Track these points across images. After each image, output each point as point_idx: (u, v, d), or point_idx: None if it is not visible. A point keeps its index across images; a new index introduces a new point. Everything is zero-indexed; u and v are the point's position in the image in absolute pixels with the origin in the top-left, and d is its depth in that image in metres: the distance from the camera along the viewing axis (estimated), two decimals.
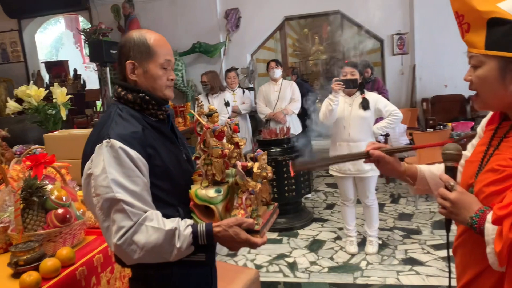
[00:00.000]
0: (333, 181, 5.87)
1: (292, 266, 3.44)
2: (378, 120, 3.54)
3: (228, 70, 5.59)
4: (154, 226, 1.24)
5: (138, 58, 1.37)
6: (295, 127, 4.97)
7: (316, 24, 11.53)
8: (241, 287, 2.61)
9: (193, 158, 1.44)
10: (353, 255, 3.57)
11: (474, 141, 1.30)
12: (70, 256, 1.72)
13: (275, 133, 4.28)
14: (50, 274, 1.59)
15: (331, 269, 3.36)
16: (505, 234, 0.94)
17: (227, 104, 4.81)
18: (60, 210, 1.80)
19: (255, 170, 1.36)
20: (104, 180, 1.23)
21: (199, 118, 1.36)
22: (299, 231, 4.18)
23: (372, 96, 3.43)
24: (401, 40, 6.95)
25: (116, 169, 1.24)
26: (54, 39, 12.42)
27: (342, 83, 3.25)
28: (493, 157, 1.11)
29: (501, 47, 1.03)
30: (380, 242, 3.72)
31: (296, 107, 5.06)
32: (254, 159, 1.44)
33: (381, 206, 4.67)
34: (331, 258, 3.55)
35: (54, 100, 3.52)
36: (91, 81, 9.27)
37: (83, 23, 9.72)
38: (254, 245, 1.32)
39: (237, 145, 1.45)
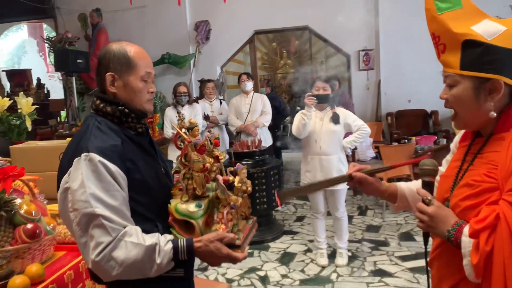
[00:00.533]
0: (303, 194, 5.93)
1: (264, 280, 3.44)
2: (347, 134, 3.63)
3: (207, 81, 5.59)
4: (134, 242, 1.21)
5: (118, 70, 1.35)
6: (266, 140, 5.00)
7: (284, 38, 11.71)
8: None
9: (172, 172, 1.42)
10: (323, 267, 3.60)
11: (448, 157, 1.35)
12: (40, 273, 1.66)
13: (247, 145, 4.29)
14: None
15: (303, 282, 3.37)
16: (482, 247, 0.99)
17: (206, 117, 4.81)
18: (29, 225, 1.73)
19: (236, 184, 1.36)
20: (82, 195, 1.20)
21: (180, 131, 1.35)
22: (270, 244, 4.18)
23: (341, 111, 3.53)
24: (367, 56, 7.16)
25: (95, 184, 1.21)
26: (16, 46, 12.01)
27: (314, 98, 3.32)
28: (468, 173, 1.15)
29: (475, 67, 1.09)
30: (350, 254, 3.77)
31: (267, 119, 5.10)
32: (234, 173, 1.44)
33: (350, 218, 4.75)
34: (302, 271, 3.57)
35: (19, 110, 3.41)
36: (55, 90, 9.00)
37: (47, 31, 9.46)
38: (235, 260, 1.32)
39: (217, 159, 1.45)
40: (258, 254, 3.93)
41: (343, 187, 3.47)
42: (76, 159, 1.24)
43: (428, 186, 1.20)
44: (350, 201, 5.42)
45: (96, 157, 1.23)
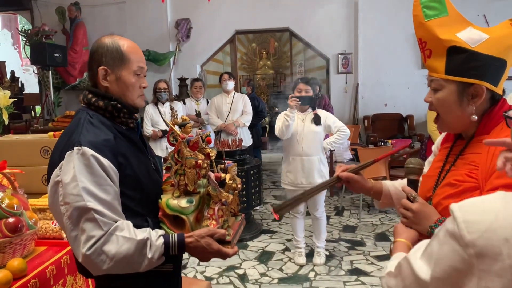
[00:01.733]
0: (280, 194, 5.98)
1: (243, 278, 3.46)
2: (326, 136, 3.69)
3: (195, 80, 5.57)
4: (125, 236, 1.22)
5: (110, 64, 1.35)
6: (246, 140, 5.02)
7: (264, 39, 11.77)
8: None
9: (164, 168, 1.43)
10: (301, 266, 3.65)
11: (430, 158, 1.41)
12: (22, 268, 1.63)
13: (228, 144, 4.30)
14: (1, 287, 1.50)
15: (281, 280, 3.41)
16: None
17: (198, 114, 4.81)
18: (11, 219, 1.70)
19: (227, 181, 1.38)
20: (74, 188, 1.19)
21: (173, 128, 1.36)
22: (249, 242, 4.20)
23: (322, 113, 3.60)
24: (346, 60, 7.28)
25: (87, 177, 1.21)
26: None
27: (298, 100, 3.36)
28: (450, 173, 1.21)
29: (459, 73, 1.15)
30: (327, 253, 3.83)
31: (248, 119, 5.13)
32: (225, 170, 1.46)
33: (327, 218, 4.82)
34: (281, 269, 3.61)
35: None
36: (30, 84, 8.79)
37: (22, 23, 9.21)
38: (225, 256, 1.34)
39: (208, 156, 1.46)
40: (237, 253, 3.94)
41: None
42: (68, 152, 1.23)
43: (413, 184, 1.26)
44: (327, 201, 5.50)
45: (89, 151, 1.22)
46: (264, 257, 3.87)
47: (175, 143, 1.36)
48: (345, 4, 6.99)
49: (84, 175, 1.21)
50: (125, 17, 7.25)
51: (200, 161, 1.36)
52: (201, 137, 1.44)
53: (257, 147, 6.08)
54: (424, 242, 0.88)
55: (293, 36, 7.81)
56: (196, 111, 4.94)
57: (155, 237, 1.26)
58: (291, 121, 3.38)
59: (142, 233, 1.25)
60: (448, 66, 1.16)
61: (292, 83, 3.79)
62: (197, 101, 5.40)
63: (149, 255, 1.24)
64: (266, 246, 4.12)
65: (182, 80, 6.98)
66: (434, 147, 1.42)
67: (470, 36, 1.15)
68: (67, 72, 6.88)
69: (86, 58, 6.99)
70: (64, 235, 2.01)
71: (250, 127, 5.40)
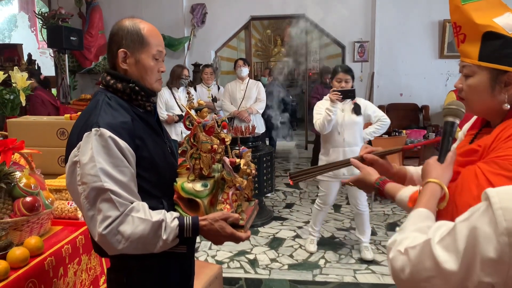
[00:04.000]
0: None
1: (253, 263, 3.49)
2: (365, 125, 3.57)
3: (205, 66, 5.56)
4: (141, 217, 1.24)
5: (130, 47, 1.36)
6: (259, 127, 5.02)
7: (279, 26, 11.67)
8: (205, 282, 2.62)
9: (179, 151, 1.44)
10: (311, 253, 3.65)
11: (455, 145, 1.39)
12: (39, 246, 1.67)
13: (241, 131, 4.31)
14: (19, 264, 1.54)
15: (291, 266, 3.44)
16: None
17: (214, 99, 4.81)
18: (28, 198, 1.74)
19: (242, 166, 1.39)
20: (92, 169, 1.21)
21: (189, 112, 1.36)
22: (260, 228, 4.23)
23: (361, 102, 3.47)
24: (362, 48, 7.18)
25: (105, 159, 1.23)
26: (5, 20, 11.75)
27: (340, 94, 3.22)
28: None
29: (494, 59, 1.11)
30: (373, 247, 3.74)
31: (261, 107, 5.12)
32: (240, 156, 1.47)
33: (338, 207, 4.83)
34: (291, 256, 3.63)
35: (13, 85, 3.37)
36: (46, 67, 8.85)
37: (39, 6, 9.27)
38: (238, 240, 1.35)
39: (223, 141, 1.47)
40: (248, 238, 3.97)
41: None
42: (86, 133, 1.25)
43: (451, 126, 1.18)
44: (338, 191, 5.48)
45: (107, 133, 1.24)
46: (275, 243, 3.90)
47: (191, 127, 1.36)
48: None
49: (102, 156, 1.22)
50: (140, 1, 7.24)
51: (215, 146, 1.36)
52: (217, 122, 1.45)
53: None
54: (442, 225, 0.84)
55: (308, 23, 7.72)
56: (212, 96, 4.93)
57: (170, 219, 1.28)
58: (333, 115, 3.25)
59: (157, 215, 1.26)
60: (482, 52, 1.13)
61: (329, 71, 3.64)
62: (208, 87, 5.39)
63: (164, 237, 1.25)
64: (277, 233, 4.14)
65: (196, 66, 6.97)
66: (460, 134, 1.40)
67: (508, 22, 1.11)
68: (83, 56, 6.92)
69: (102, 41, 7.07)
70: (80, 215, 2.05)
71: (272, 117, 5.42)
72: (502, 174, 1.02)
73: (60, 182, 2.16)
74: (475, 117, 1.32)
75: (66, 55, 6.19)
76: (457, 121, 1.20)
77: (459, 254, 0.75)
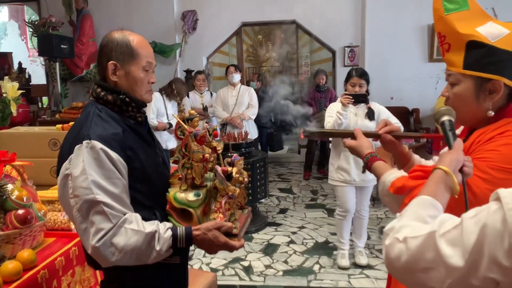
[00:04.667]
0: (285, 186, 6.00)
1: (248, 270, 3.49)
2: None
3: (198, 72, 5.56)
4: (134, 229, 1.24)
5: (120, 59, 1.36)
6: (252, 133, 5.03)
7: (270, 31, 11.72)
8: None
9: (171, 161, 1.45)
10: (345, 268, 3.47)
11: (446, 149, 1.41)
12: (32, 259, 1.66)
13: (234, 137, 4.31)
14: (11, 277, 1.54)
15: (286, 272, 3.44)
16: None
17: (205, 108, 4.80)
18: (20, 211, 1.73)
19: (234, 175, 1.40)
20: (84, 182, 1.21)
21: (181, 122, 1.37)
22: (254, 235, 4.23)
23: (375, 106, 3.40)
24: (352, 53, 7.23)
25: (96, 171, 1.23)
26: None
27: (351, 98, 3.14)
28: None
29: (478, 67, 1.14)
30: (367, 251, 3.74)
31: (253, 112, 5.13)
32: (231, 164, 1.47)
33: (331, 211, 4.84)
34: (286, 262, 3.63)
35: (4, 95, 3.35)
36: (37, 75, 8.81)
37: (29, 14, 9.23)
38: (232, 248, 1.36)
39: (214, 150, 1.48)
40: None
41: (374, 183, 3.34)
42: (77, 146, 1.25)
43: (450, 125, 1.16)
44: (332, 194, 5.51)
45: (98, 145, 1.24)
46: (269, 249, 3.90)
47: (182, 137, 1.37)
48: None
49: (93, 169, 1.22)
50: (131, 8, 7.25)
51: (207, 155, 1.37)
52: (208, 131, 1.46)
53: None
54: (447, 219, 0.83)
55: (299, 29, 7.77)
56: (203, 105, 4.93)
57: (163, 229, 1.28)
58: (344, 119, 3.17)
59: (150, 226, 1.27)
60: (466, 61, 1.16)
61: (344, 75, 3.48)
62: (201, 93, 5.40)
63: (157, 248, 1.26)
64: (271, 239, 4.14)
65: (188, 72, 6.98)
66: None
67: (490, 31, 1.14)
68: (74, 64, 6.90)
69: (93, 49, 7.06)
70: (73, 227, 2.04)
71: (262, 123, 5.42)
72: (478, 175, 1.05)
73: (53, 193, 2.15)
74: (461, 128, 1.35)
75: (57, 63, 6.18)
76: (452, 119, 1.19)
77: (466, 250, 0.75)
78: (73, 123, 2.60)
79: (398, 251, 0.83)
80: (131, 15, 7.22)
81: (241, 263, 3.62)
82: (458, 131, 1.36)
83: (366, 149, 1.38)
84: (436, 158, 1.45)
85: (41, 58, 7.12)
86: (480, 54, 1.13)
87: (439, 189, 0.98)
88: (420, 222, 0.88)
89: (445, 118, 1.17)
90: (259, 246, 3.97)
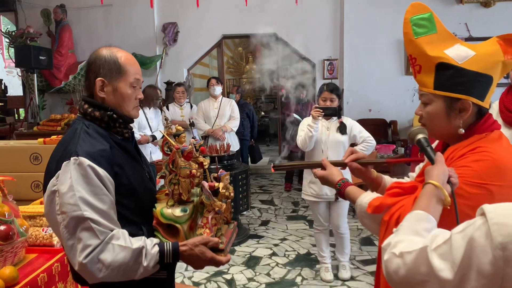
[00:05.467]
0: (267, 198, 6.03)
1: (230, 283, 3.48)
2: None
3: (177, 85, 5.55)
4: (121, 245, 1.24)
5: (108, 76, 1.38)
6: (233, 145, 5.05)
7: (250, 43, 11.81)
8: None
9: (158, 177, 1.46)
10: (329, 282, 3.49)
11: (421, 165, 1.47)
12: (14, 276, 1.64)
13: (216, 149, 4.32)
14: None
15: (268, 285, 3.44)
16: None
17: (192, 124, 4.79)
18: (2, 227, 1.71)
19: (220, 190, 1.41)
20: (71, 198, 1.22)
21: (168, 138, 1.39)
22: (236, 247, 4.23)
23: (348, 121, 3.43)
24: (331, 66, 7.36)
25: (84, 187, 1.23)
26: None
27: (321, 111, 3.20)
28: None
29: (447, 88, 1.21)
30: (352, 266, 3.73)
31: (235, 124, 5.16)
32: (218, 179, 1.49)
33: (313, 223, 4.87)
34: (268, 274, 3.64)
35: None
36: (13, 87, 8.66)
37: (5, 24, 9.08)
38: (218, 263, 1.37)
39: (201, 165, 1.49)
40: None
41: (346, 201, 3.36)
42: (65, 162, 1.25)
43: (426, 141, 1.25)
44: (326, 211, 5.55)
45: (86, 161, 1.25)
46: (252, 262, 3.90)
47: (169, 152, 1.39)
48: (331, 11, 7.09)
49: (81, 185, 1.23)
50: (111, 20, 7.22)
51: (194, 171, 1.39)
52: (195, 146, 1.47)
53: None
54: (439, 233, 0.87)
55: (279, 41, 7.87)
56: (189, 121, 4.93)
57: (150, 245, 1.29)
58: (314, 132, 3.22)
59: (137, 242, 1.27)
60: (436, 82, 1.22)
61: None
62: (181, 105, 5.40)
63: (145, 263, 1.26)
64: (253, 251, 4.15)
65: (169, 84, 6.97)
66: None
67: (458, 53, 1.21)
68: (52, 75, 6.81)
69: (72, 61, 6.99)
70: (55, 242, 2.02)
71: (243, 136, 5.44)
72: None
73: (34, 208, 2.12)
74: (437, 142, 1.41)
75: (35, 74, 6.09)
76: (426, 136, 1.27)
77: (454, 263, 0.79)
78: (55, 136, 2.59)
79: (396, 266, 0.88)
80: (111, 26, 7.20)
81: (224, 276, 3.61)
82: (433, 145, 1.43)
83: (337, 176, 1.44)
84: (412, 174, 1.52)
85: (18, 69, 6.99)
86: (448, 75, 1.20)
87: (431, 203, 1.04)
88: (416, 236, 0.93)
89: (420, 136, 1.26)
90: (241, 259, 3.97)
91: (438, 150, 1.36)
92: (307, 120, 3.37)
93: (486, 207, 0.79)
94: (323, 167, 1.50)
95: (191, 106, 5.50)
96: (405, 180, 1.53)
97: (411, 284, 0.86)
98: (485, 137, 1.21)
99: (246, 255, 4.06)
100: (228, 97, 6.19)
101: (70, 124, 5.05)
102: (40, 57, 5.89)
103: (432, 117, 1.26)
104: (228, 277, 3.59)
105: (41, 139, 2.51)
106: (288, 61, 10.71)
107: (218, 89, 5.17)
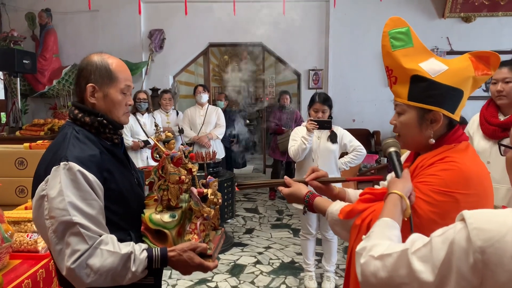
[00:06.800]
0: (251, 206, 6.04)
1: None
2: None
3: (164, 92, 5.55)
4: (110, 250, 1.25)
5: (99, 82, 1.39)
6: (219, 152, 5.06)
7: (236, 51, 11.88)
8: None
9: (146, 183, 1.47)
10: None
11: (393, 173, 1.53)
12: None
13: (202, 157, 4.33)
14: None
15: None
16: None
17: (181, 131, 4.78)
18: None
19: (209, 196, 1.43)
20: (60, 203, 1.22)
21: (157, 144, 1.40)
22: (220, 255, 4.22)
23: (338, 130, 3.47)
24: (316, 76, 7.46)
25: (73, 192, 1.24)
26: None
27: (316, 124, 3.22)
28: None
29: (420, 99, 1.27)
30: (336, 277, 3.72)
31: (221, 132, 5.18)
32: (206, 186, 1.51)
33: (297, 231, 4.91)
34: (252, 282, 3.64)
35: None
36: None
37: None
38: (206, 269, 1.38)
39: (190, 171, 1.51)
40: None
41: None
42: (54, 167, 1.26)
43: (396, 155, 1.33)
44: (297, 214, 5.59)
45: (75, 166, 1.25)
46: (236, 270, 3.90)
47: (159, 159, 1.40)
48: (317, 24, 7.19)
49: (70, 190, 1.23)
50: (97, 25, 7.18)
51: (183, 177, 1.40)
52: (184, 153, 1.49)
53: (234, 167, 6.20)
54: (417, 238, 0.91)
55: (265, 51, 7.94)
56: (178, 127, 4.94)
57: (138, 251, 1.29)
58: (308, 144, 3.25)
59: (126, 247, 1.28)
60: (410, 93, 1.28)
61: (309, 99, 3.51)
62: (167, 112, 5.40)
63: (133, 269, 1.27)
64: (237, 259, 4.15)
65: (154, 90, 6.95)
66: None
67: (432, 67, 1.27)
68: (36, 79, 6.72)
69: (56, 65, 6.92)
70: (40, 248, 2.00)
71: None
72: (421, 198, 1.18)
73: (19, 213, 2.10)
74: (408, 152, 1.47)
75: (18, 78, 6.01)
76: (398, 150, 1.35)
77: (435, 265, 0.82)
78: (40, 141, 2.57)
79: (374, 268, 0.91)
80: (96, 31, 7.16)
81: (208, 284, 3.60)
82: (404, 156, 1.48)
83: (303, 190, 1.51)
84: (384, 183, 1.57)
85: (1, 73, 6.89)
86: (422, 87, 1.26)
87: (397, 211, 1.11)
88: (392, 242, 0.96)
89: (392, 149, 1.34)
90: (225, 267, 3.97)
91: (410, 160, 1.41)
92: (300, 131, 3.40)
93: (466, 212, 0.83)
94: (287, 185, 1.57)
95: (177, 113, 5.50)
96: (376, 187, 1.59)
97: (389, 287, 0.89)
98: (454, 147, 1.27)
99: (230, 263, 4.06)
100: (215, 104, 6.22)
101: (53, 129, 4.93)
102: (24, 61, 5.81)
103: (405, 126, 1.31)
104: (212, 285, 3.59)
105: (27, 144, 2.48)
106: (273, 70, 10.82)
107: (204, 97, 5.19)
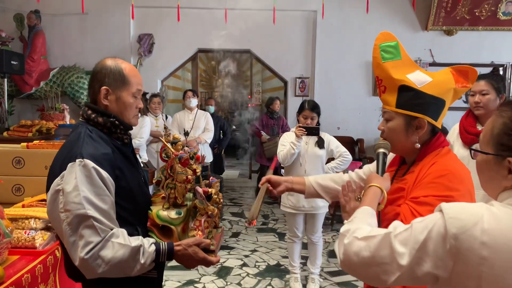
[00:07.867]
0: (237, 211, 6.11)
1: None
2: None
3: (153, 96, 5.59)
4: (121, 243, 1.32)
5: (112, 85, 1.47)
6: (207, 156, 5.14)
7: (224, 57, 11.97)
8: None
9: (154, 181, 1.55)
10: None
11: (371, 165, 1.68)
12: (1, 275, 1.67)
13: None
14: None
15: None
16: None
17: (186, 133, 4.82)
18: None
19: (213, 195, 1.52)
20: (76, 197, 1.29)
21: (166, 145, 1.49)
22: None
23: (325, 136, 3.59)
24: (303, 83, 7.60)
25: (88, 188, 1.31)
26: None
27: (305, 130, 3.33)
28: None
29: (407, 107, 1.40)
30: (321, 279, 3.82)
31: (209, 136, 5.26)
32: (209, 186, 1.60)
33: (282, 235, 5.01)
34: (239, 284, 3.72)
35: None
36: None
37: None
38: (209, 263, 1.47)
39: (194, 172, 1.60)
40: (196, 268, 4.01)
41: (324, 210, 3.54)
42: (70, 163, 1.33)
43: (383, 155, 1.44)
44: (282, 219, 5.69)
45: (90, 163, 1.33)
46: (223, 272, 3.97)
47: (167, 159, 1.48)
48: (304, 33, 7.35)
49: (85, 185, 1.31)
50: (86, 27, 7.18)
51: (190, 176, 1.49)
52: (189, 155, 1.58)
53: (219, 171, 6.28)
54: (399, 224, 1.02)
55: (253, 58, 8.06)
56: (184, 130, 5.00)
57: (147, 244, 1.37)
58: (297, 150, 3.36)
59: (135, 241, 1.36)
60: (398, 101, 1.42)
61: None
62: (156, 116, 5.45)
63: (142, 261, 1.35)
64: (224, 262, 4.22)
65: (143, 94, 6.99)
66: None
67: (417, 78, 1.41)
68: (23, 81, 6.69)
69: (44, 67, 6.90)
70: (38, 244, 2.05)
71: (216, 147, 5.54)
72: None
73: (16, 211, 2.14)
74: (393, 155, 1.59)
75: (5, 79, 5.98)
76: (387, 152, 1.47)
77: (413, 248, 0.93)
78: (37, 141, 2.61)
79: (357, 248, 1.03)
80: (85, 34, 7.16)
81: (195, 285, 3.66)
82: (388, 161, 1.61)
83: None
84: (357, 170, 1.76)
85: None
86: (409, 96, 1.39)
87: (375, 202, 1.26)
88: (369, 227, 1.09)
89: (381, 150, 1.47)
90: (212, 269, 4.03)
91: (396, 165, 1.54)
92: (288, 136, 3.51)
93: (443, 204, 0.95)
94: (273, 186, 1.82)
95: (166, 117, 5.56)
96: (345, 175, 1.78)
97: (369, 265, 1.00)
98: (439, 153, 1.40)
99: (217, 265, 4.12)
100: (204, 109, 6.29)
101: (41, 131, 4.90)
102: (12, 62, 5.80)
103: (393, 132, 1.44)
104: (199, 286, 3.65)
105: (24, 144, 2.52)
106: (260, 77, 10.95)
107: (194, 101, 5.27)
